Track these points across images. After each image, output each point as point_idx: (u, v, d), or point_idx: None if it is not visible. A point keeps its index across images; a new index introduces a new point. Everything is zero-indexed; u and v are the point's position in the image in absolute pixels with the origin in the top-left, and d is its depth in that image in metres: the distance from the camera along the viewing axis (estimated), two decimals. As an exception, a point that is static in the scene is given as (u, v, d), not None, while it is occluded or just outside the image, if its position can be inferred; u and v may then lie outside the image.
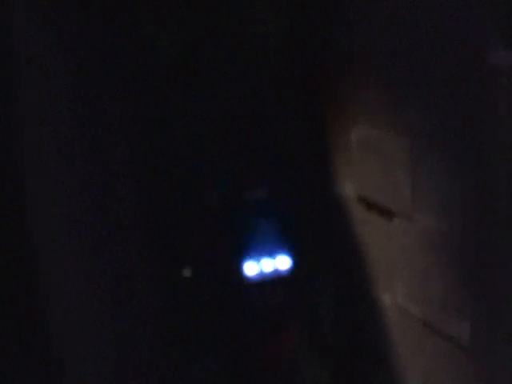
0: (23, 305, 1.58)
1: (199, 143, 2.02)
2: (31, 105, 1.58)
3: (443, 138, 1.50)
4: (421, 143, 1.58)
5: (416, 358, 1.74)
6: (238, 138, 2.08)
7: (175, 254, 2.03)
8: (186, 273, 2.03)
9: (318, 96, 2.08)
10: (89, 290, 1.72)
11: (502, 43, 1.30)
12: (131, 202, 1.87)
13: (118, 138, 1.83)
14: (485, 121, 1.35)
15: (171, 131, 1.97)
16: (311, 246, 2.17)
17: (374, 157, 1.80)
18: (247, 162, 2.10)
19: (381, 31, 1.67)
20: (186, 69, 1.99)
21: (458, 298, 1.51)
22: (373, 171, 1.81)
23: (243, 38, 2.02)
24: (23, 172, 1.58)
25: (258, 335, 2.14)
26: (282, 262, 2.12)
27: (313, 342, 2.19)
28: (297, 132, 2.14)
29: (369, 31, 1.73)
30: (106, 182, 1.78)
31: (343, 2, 1.86)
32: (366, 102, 1.79)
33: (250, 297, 2.11)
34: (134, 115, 1.87)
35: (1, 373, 1.57)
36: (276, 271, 2.11)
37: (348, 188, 1.97)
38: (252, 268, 2.08)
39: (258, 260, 2.09)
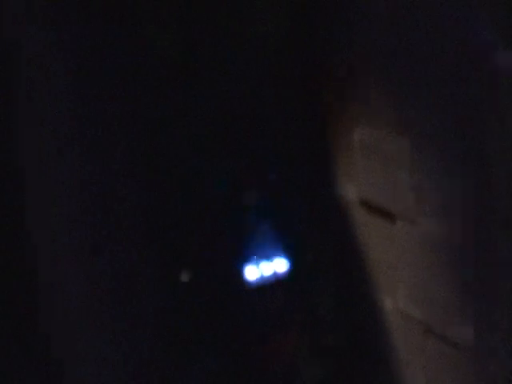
0: (23, 305, 1.58)
1: (199, 143, 2.02)
2: (31, 105, 1.58)
3: (443, 138, 1.50)
4: (421, 143, 1.58)
5: (417, 359, 1.74)
6: (238, 138, 2.08)
7: (175, 254, 2.02)
8: (184, 278, 2.02)
9: (318, 96, 2.08)
10: (89, 289, 1.72)
11: (502, 43, 1.30)
12: (131, 201, 1.86)
13: (118, 138, 1.83)
14: (485, 121, 1.35)
15: (171, 131, 1.97)
16: (311, 247, 2.17)
17: (374, 157, 1.80)
18: (247, 161, 2.09)
19: (381, 31, 1.67)
20: (185, 69, 1.99)
21: (460, 300, 1.51)
22: (374, 173, 1.81)
23: (243, 38, 2.01)
24: (23, 172, 1.58)
25: (258, 335, 2.13)
26: (282, 263, 2.11)
27: (313, 342, 2.18)
28: (297, 132, 2.14)
29: (369, 31, 1.73)
30: (105, 181, 1.78)
31: (343, 2, 1.85)
32: (366, 102, 1.79)
33: (250, 297, 2.11)
34: (134, 115, 1.87)
35: (1, 373, 1.57)
36: (276, 272, 2.11)
37: (349, 189, 1.97)
38: (252, 269, 2.08)
39: (258, 261, 2.09)
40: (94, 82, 1.74)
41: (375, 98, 1.75)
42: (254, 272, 2.08)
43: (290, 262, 2.12)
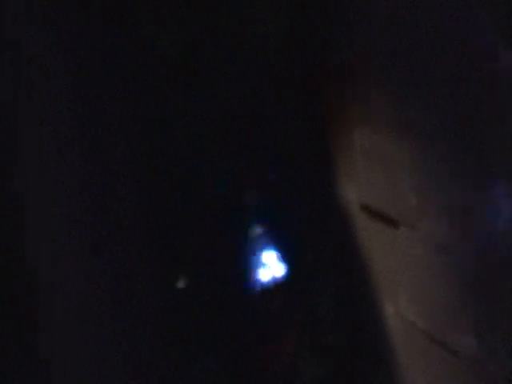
0: (23, 305, 1.58)
1: (199, 143, 2.02)
2: (31, 105, 1.58)
3: (443, 138, 1.50)
4: (421, 143, 1.58)
5: (417, 362, 1.73)
6: (238, 138, 2.08)
7: (175, 254, 2.03)
8: (184, 278, 2.02)
9: (318, 96, 2.08)
10: (89, 290, 1.72)
11: (502, 43, 1.30)
12: (131, 202, 1.86)
13: (118, 138, 1.83)
14: (485, 121, 1.35)
15: (171, 131, 1.97)
16: (311, 247, 2.17)
17: (374, 157, 1.80)
18: (247, 162, 2.10)
19: (381, 31, 1.67)
20: (185, 69, 1.99)
21: (461, 304, 1.51)
22: (374, 173, 1.80)
23: (243, 38, 2.02)
24: (23, 172, 1.58)
25: (258, 335, 2.13)
26: (281, 263, 2.11)
27: (313, 342, 2.18)
28: (297, 132, 2.14)
29: (369, 31, 1.73)
30: (105, 182, 1.78)
31: (343, 2, 1.85)
32: (366, 102, 1.79)
33: (249, 297, 2.11)
34: (134, 115, 1.87)
35: (1, 373, 1.57)
36: (276, 272, 2.11)
37: (349, 190, 1.97)
38: (252, 268, 2.08)
39: (258, 261, 2.09)
40: (94, 82, 1.74)
41: (375, 98, 1.75)
42: (254, 272, 2.08)
43: (290, 262, 2.12)
